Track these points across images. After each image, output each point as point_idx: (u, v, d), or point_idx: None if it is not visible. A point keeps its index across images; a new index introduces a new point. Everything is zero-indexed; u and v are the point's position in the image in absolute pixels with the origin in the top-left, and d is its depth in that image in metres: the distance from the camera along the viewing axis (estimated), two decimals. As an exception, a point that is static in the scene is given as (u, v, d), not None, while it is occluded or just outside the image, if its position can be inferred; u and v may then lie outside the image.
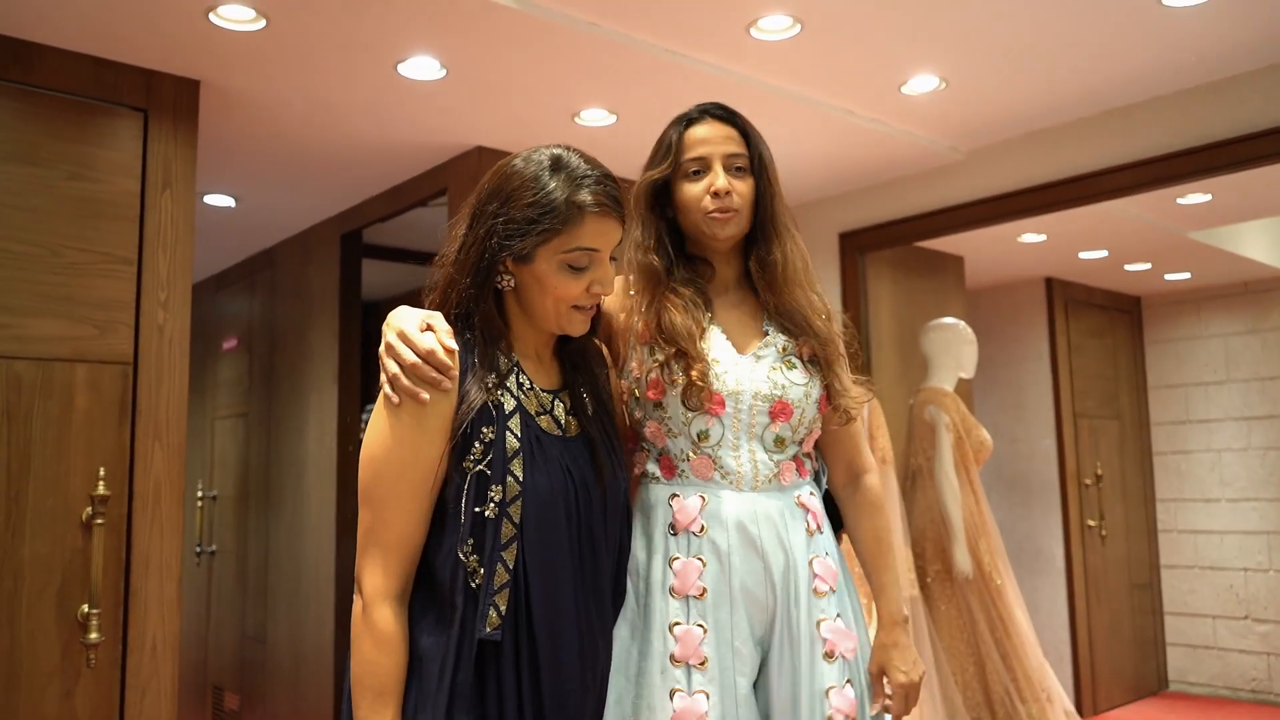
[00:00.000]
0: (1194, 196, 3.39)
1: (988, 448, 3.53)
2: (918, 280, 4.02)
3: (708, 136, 1.53)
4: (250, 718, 4.20)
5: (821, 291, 1.58)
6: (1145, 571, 5.35)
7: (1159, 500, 5.49)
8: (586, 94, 2.73)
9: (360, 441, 3.75)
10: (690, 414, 1.48)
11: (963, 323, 3.67)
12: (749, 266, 1.58)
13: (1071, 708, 3.48)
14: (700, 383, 1.45)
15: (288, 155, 3.15)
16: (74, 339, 2.31)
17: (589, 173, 1.36)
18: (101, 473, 2.29)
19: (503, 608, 1.28)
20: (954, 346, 3.61)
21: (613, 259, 1.43)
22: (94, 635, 2.23)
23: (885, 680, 1.52)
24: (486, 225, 1.36)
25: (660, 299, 1.50)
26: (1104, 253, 4.40)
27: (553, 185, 1.34)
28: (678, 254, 1.57)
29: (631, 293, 1.57)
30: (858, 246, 3.60)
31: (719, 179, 1.50)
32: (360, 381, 3.86)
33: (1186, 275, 4.96)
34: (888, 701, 1.52)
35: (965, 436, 3.47)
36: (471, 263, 1.37)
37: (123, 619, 2.33)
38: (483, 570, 1.28)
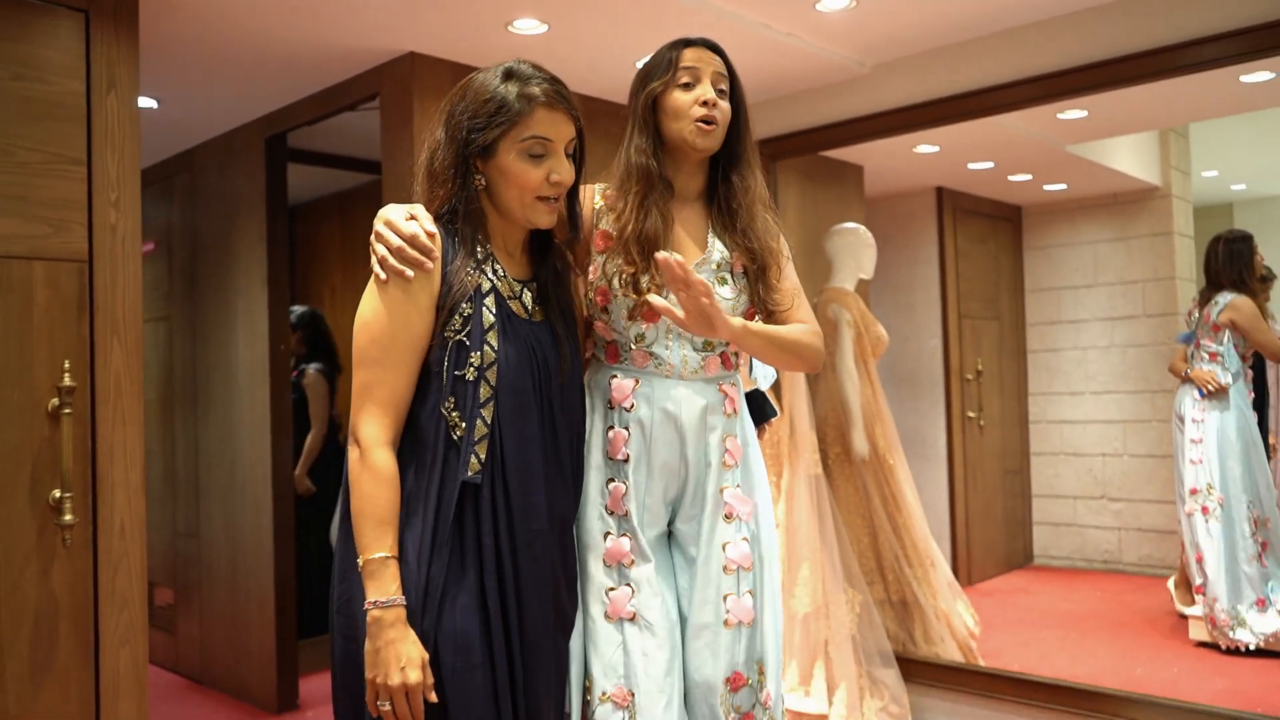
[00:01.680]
0: (1072, 112, 3.71)
1: (884, 343, 3.86)
2: (821, 188, 4.30)
3: (700, 57, 1.75)
4: (185, 611, 4.34)
5: (773, 215, 1.82)
6: (1017, 458, 5.86)
7: (1031, 394, 5.98)
8: (519, 3, 2.84)
9: (291, 341, 3.85)
10: (630, 322, 1.73)
11: (864, 227, 3.97)
12: (710, 183, 1.81)
13: (951, 577, 3.91)
14: (646, 303, 1.69)
15: (215, 57, 3.17)
16: (30, 237, 2.38)
17: (537, 75, 1.59)
18: (67, 365, 2.39)
19: (482, 456, 1.50)
20: (855, 249, 3.90)
21: (568, 155, 1.63)
22: (68, 517, 2.37)
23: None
24: (454, 128, 1.58)
25: (643, 206, 1.71)
26: (990, 164, 4.74)
27: (506, 86, 1.57)
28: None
29: (598, 200, 1.78)
30: (770, 154, 3.83)
31: (709, 91, 1.72)
32: (289, 284, 3.95)
33: (1063, 186, 5.36)
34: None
35: (864, 332, 3.79)
36: (447, 163, 1.59)
37: (92, 504, 2.46)
38: (463, 424, 1.50)
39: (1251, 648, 3.58)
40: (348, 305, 4.82)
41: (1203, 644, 3.76)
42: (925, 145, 4.16)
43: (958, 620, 3.67)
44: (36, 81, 2.39)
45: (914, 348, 5.31)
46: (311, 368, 4.37)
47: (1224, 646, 3.65)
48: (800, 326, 1.77)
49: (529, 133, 1.56)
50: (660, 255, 1.54)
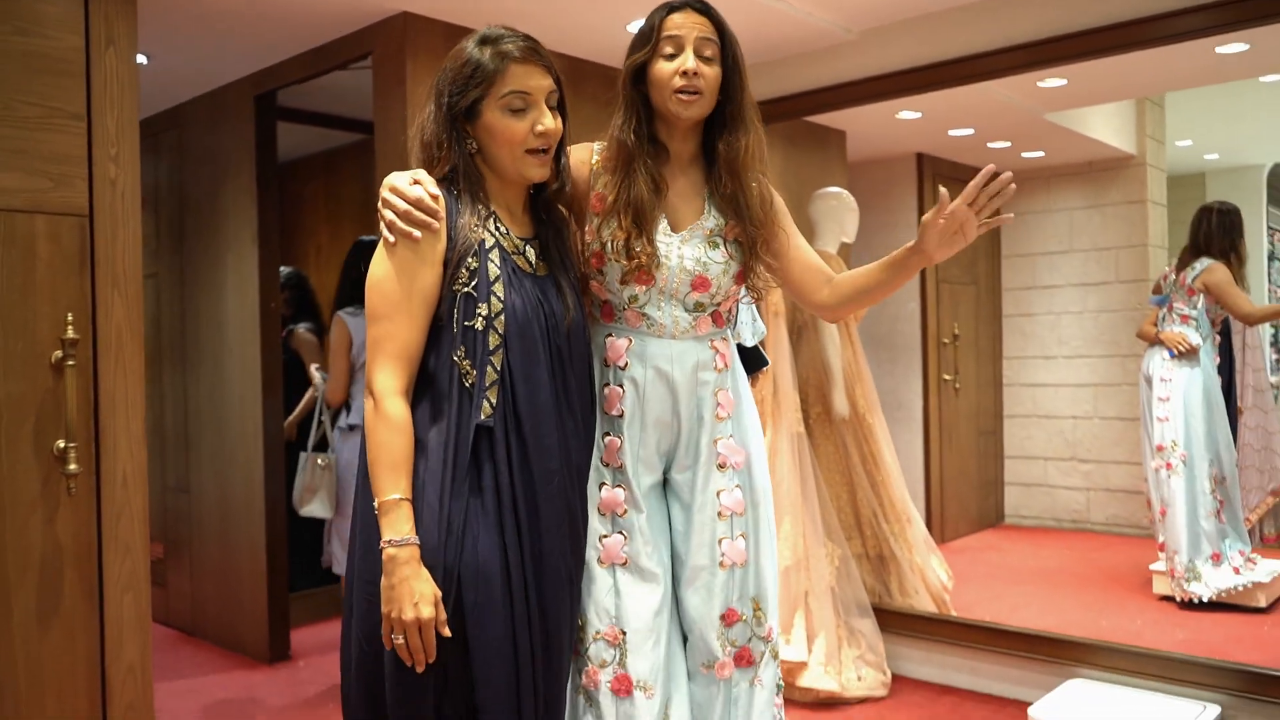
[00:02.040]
0: (1053, 80, 3.79)
1: (865, 305, 3.95)
2: (804, 152, 4.36)
3: (684, 23, 1.76)
4: (175, 565, 4.40)
5: (767, 181, 1.86)
6: (991, 420, 6.00)
7: (1005, 358, 6.11)
8: (514, -35, 2.88)
9: (281, 301, 3.89)
10: (623, 284, 1.79)
11: (847, 192, 4.04)
12: (707, 148, 1.84)
13: (926, 533, 4.04)
14: (641, 265, 1.75)
15: (206, 13, 3.18)
16: (31, 191, 2.41)
17: (509, 34, 1.67)
18: (70, 318, 2.43)
19: (494, 400, 1.58)
20: (838, 213, 3.98)
21: (551, 107, 1.70)
22: (73, 466, 2.42)
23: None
24: (440, 98, 1.67)
25: (629, 175, 1.76)
26: (970, 131, 4.82)
27: (481, 49, 1.66)
28: (651, 135, 1.81)
29: (595, 158, 1.84)
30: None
31: (689, 60, 1.74)
32: (278, 242, 3.98)
33: (1040, 154, 5.45)
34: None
35: (846, 295, 3.87)
36: (439, 131, 1.67)
37: (95, 454, 2.51)
38: (474, 371, 1.59)
39: (1205, 599, 3.74)
40: (333, 264, 4.85)
41: (1166, 598, 3.91)
42: (907, 111, 4.22)
43: (932, 574, 3.80)
44: (37, 37, 2.41)
45: (892, 312, 5.42)
46: (300, 327, 4.41)
47: (1179, 599, 3.80)
48: (844, 268, 1.85)
49: (507, 88, 1.63)
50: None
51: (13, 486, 2.38)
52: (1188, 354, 4.07)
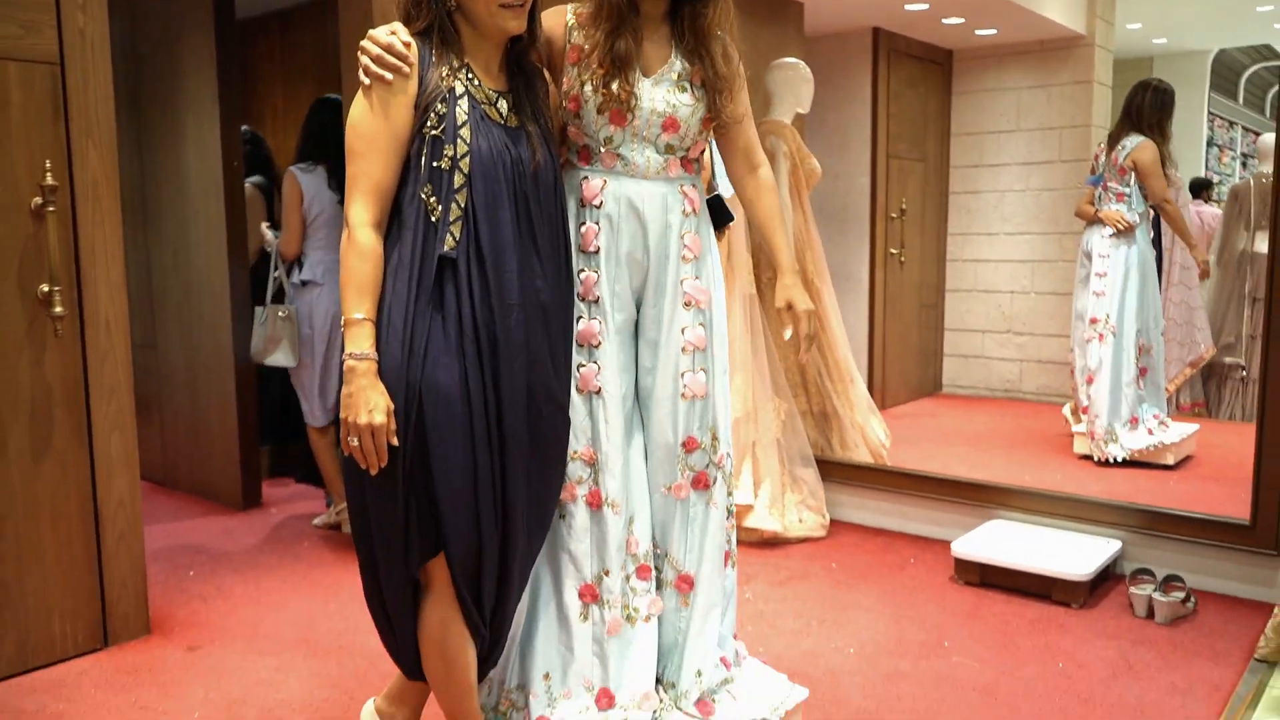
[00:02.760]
0: (1006, -46, 3.87)
1: (817, 175, 4.09)
2: (761, 24, 4.41)
3: None
4: (144, 419, 4.51)
5: (730, 41, 2.01)
6: (933, 293, 6.25)
7: (950, 234, 6.32)
8: None
9: (242, 159, 3.92)
10: (600, 123, 1.92)
11: (802, 63, 4.12)
12: (675, 10, 1.97)
13: (868, 395, 4.28)
14: (618, 101, 1.90)
15: None
16: (2, 38, 2.44)
17: None
18: (48, 165, 2.49)
19: (457, 235, 1.73)
20: (794, 84, 4.07)
21: None
22: (59, 309, 2.52)
23: (791, 309, 2.06)
24: None
25: (611, 29, 1.89)
26: (926, 6, 4.89)
27: None
28: None
29: (570, 17, 1.95)
30: (716, -14, 3.92)
31: None
32: (239, 101, 3.98)
33: (994, 31, 5.54)
34: (794, 326, 2.06)
35: (800, 164, 4.01)
36: None
37: (77, 300, 2.61)
38: (440, 208, 1.72)
39: (1120, 459, 4.06)
40: (291, 127, 4.85)
41: (1084, 457, 4.23)
42: (865, -17, 4.29)
43: (871, 433, 4.06)
44: (-1, -123, 2.40)
45: (844, 185, 5.56)
46: (247, 182, 4.41)
47: (1097, 459, 4.12)
48: (771, 205, 2.10)
49: None
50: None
51: (1, 327, 2.48)
52: (1125, 231, 4.29)
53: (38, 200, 2.50)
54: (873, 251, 5.51)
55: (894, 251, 5.68)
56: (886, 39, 5.38)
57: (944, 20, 5.25)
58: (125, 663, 2.68)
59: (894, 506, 3.78)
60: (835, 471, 3.89)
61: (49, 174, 2.49)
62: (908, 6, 4.88)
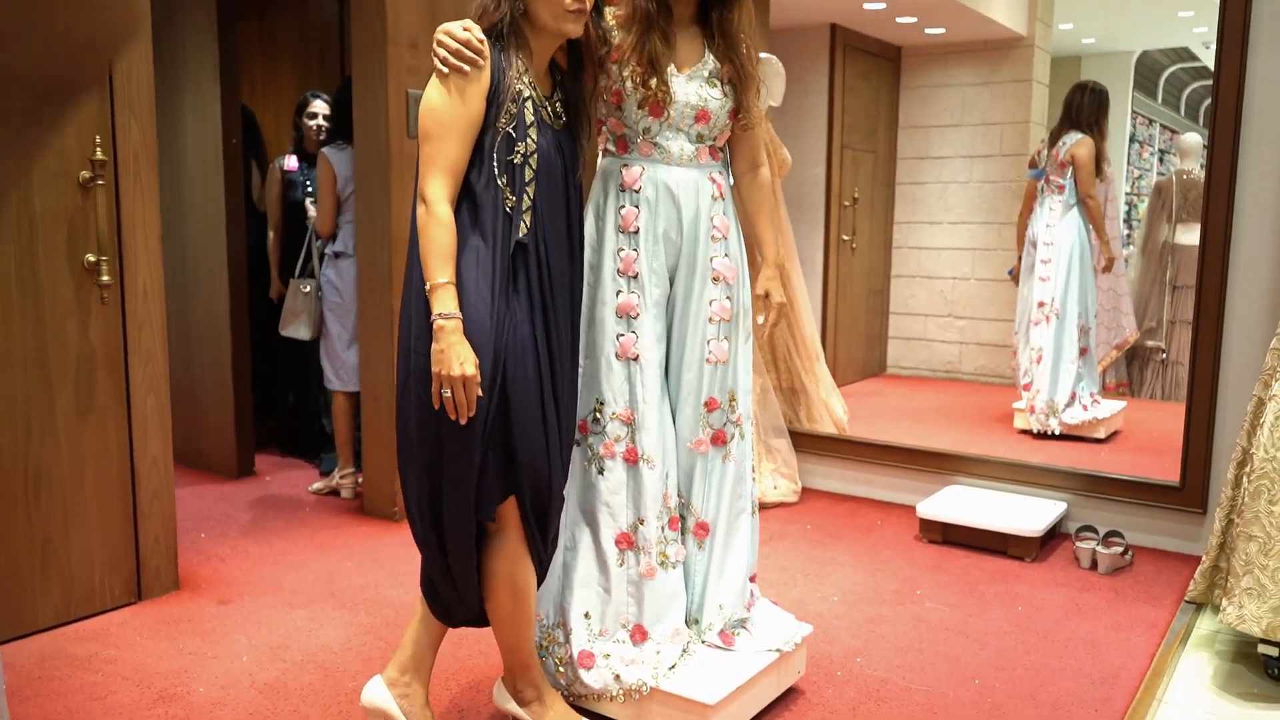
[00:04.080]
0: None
1: (788, 165, 4.37)
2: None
3: None
4: (129, 390, 4.60)
5: (752, 43, 2.25)
6: (880, 279, 6.59)
7: (897, 222, 6.66)
8: None
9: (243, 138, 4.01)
10: (639, 115, 2.16)
11: (775, 57, 4.38)
12: (704, 14, 2.22)
13: (830, 377, 4.58)
14: (656, 97, 2.14)
15: None
16: (54, 16, 2.55)
17: None
18: (98, 139, 2.62)
19: (529, 222, 1.96)
20: (767, 78, 4.31)
21: None
22: (105, 278, 2.66)
23: (768, 298, 2.34)
24: None
25: (647, 31, 2.13)
26: (883, 5, 5.19)
27: None
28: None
29: (612, 20, 2.18)
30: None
31: None
32: (238, 79, 4.08)
33: (942, 30, 5.88)
34: (767, 314, 2.36)
35: (772, 154, 4.27)
36: None
37: (119, 269, 2.74)
38: (513, 198, 1.95)
39: (1056, 432, 4.43)
40: (268, 105, 4.94)
41: (1024, 431, 4.60)
42: (827, -18, 4.56)
43: (834, 408, 4.36)
44: None
45: (800, 175, 5.85)
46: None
47: (1036, 431, 4.49)
48: (764, 201, 2.40)
49: None
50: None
51: (52, 295, 2.60)
52: (1066, 221, 4.66)
53: (85, 174, 2.62)
54: (827, 238, 5.82)
55: (846, 238, 6.00)
56: (843, 35, 5.68)
57: (898, 19, 5.57)
58: (163, 615, 2.83)
59: (860, 474, 4.09)
60: (806, 442, 4.19)
61: (99, 149, 2.62)
62: (866, 5, 5.18)
